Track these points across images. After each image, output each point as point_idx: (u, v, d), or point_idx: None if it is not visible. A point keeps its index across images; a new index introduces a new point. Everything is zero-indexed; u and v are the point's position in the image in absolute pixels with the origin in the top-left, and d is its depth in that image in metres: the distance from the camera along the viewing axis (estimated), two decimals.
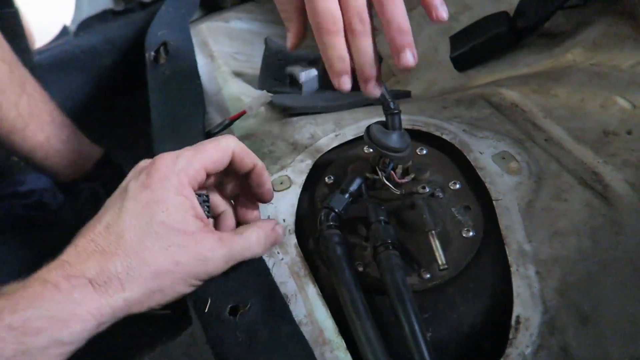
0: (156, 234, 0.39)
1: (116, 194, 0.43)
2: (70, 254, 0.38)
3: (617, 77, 0.58)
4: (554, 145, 0.53)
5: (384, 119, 0.58)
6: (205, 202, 0.46)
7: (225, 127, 0.60)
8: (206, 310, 0.45)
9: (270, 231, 0.46)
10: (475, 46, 0.74)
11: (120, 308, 0.38)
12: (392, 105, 0.47)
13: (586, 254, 0.44)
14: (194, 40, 0.82)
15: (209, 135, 0.61)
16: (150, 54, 0.79)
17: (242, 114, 0.60)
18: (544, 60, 0.68)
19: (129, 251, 0.38)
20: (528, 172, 0.50)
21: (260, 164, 0.47)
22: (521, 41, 0.73)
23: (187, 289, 0.42)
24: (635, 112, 0.54)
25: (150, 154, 0.58)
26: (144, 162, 0.45)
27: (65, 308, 0.36)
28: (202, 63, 0.78)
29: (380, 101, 0.48)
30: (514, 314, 0.41)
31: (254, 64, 0.76)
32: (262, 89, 0.73)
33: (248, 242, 0.44)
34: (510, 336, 0.40)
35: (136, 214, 0.40)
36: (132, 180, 0.42)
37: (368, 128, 0.48)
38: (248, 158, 0.46)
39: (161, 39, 0.80)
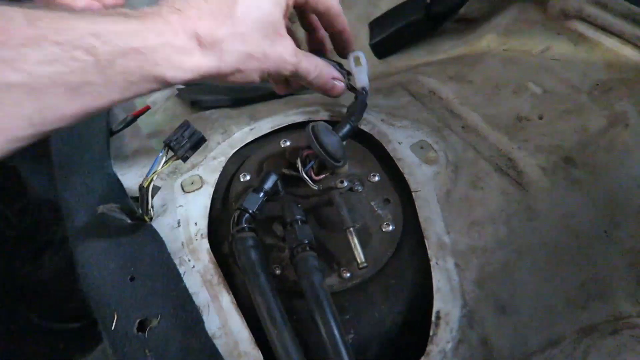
0: (262, 24, 0.42)
1: None
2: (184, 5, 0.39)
3: (528, 63, 0.59)
4: (470, 132, 0.53)
5: (299, 109, 0.56)
6: None
7: (128, 124, 0.55)
8: (113, 328, 0.41)
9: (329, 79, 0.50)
10: (393, 33, 0.73)
11: (210, 73, 0.40)
12: (352, 118, 0.49)
13: (502, 242, 0.44)
14: None
15: (112, 133, 0.55)
16: None
17: (146, 109, 0.55)
18: (460, 47, 0.67)
19: (237, 25, 0.41)
20: (445, 161, 0.49)
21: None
22: (438, 27, 0.73)
23: (257, 80, 0.44)
24: (545, 96, 0.55)
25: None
26: None
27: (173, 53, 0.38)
28: None
29: (350, 111, 0.51)
30: (434, 309, 0.40)
31: None
32: None
33: (313, 65, 0.48)
34: (431, 332, 0.39)
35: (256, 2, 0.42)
36: None
37: (312, 126, 0.46)
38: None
39: None
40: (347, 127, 0.49)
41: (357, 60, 0.54)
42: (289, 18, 0.49)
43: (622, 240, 0.47)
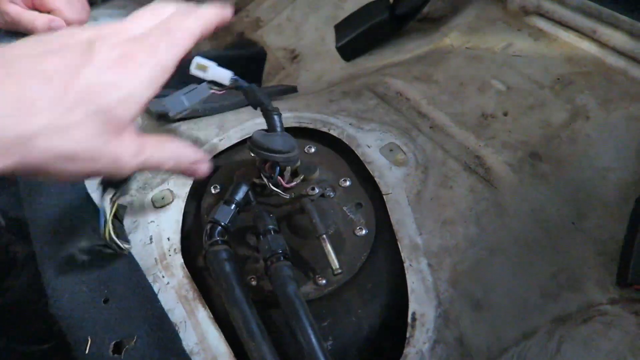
0: (100, 115, 0.32)
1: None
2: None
3: (491, 60, 0.60)
4: (438, 132, 0.53)
5: None
6: None
7: None
8: (87, 351, 0.40)
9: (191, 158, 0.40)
10: (358, 35, 0.73)
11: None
12: (269, 107, 0.44)
13: (474, 240, 0.44)
14: None
15: None
16: None
17: None
18: (425, 46, 0.68)
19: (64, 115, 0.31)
20: (415, 163, 0.49)
21: None
22: (402, 27, 0.73)
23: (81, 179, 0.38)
24: (509, 93, 0.56)
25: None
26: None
27: None
28: None
29: (252, 104, 0.45)
30: (410, 311, 0.40)
31: None
32: None
33: (167, 156, 0.38)
34: (408, 334, 0.39)
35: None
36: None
37: (250, 139, 0.45)
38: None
39: None
40: (275, 119, 0.46)
41: (201, 68, 0.47)
42: None
43: (590, 231, 0.48)
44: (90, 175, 0.34)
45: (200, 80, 0.49)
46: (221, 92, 0.50)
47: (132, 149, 0.34)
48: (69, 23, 0.76)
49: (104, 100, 0.32)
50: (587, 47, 0.58)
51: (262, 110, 0.46)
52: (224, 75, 0.49)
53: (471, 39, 0.64)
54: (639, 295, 0.45)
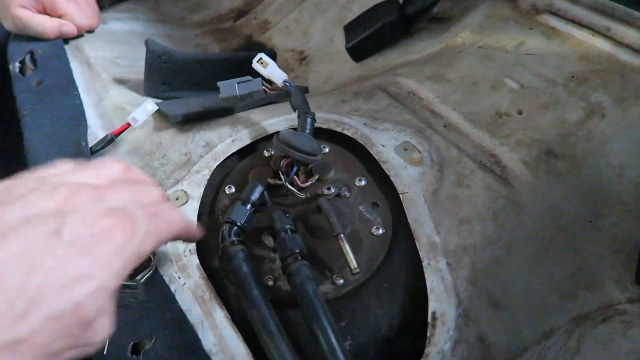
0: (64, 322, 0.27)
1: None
2: None
3: (503, 59, 0.59)
4: (452, 131, 0.53)
5: (281, 118, 0.56)
6: None
7: (108, 143, 0.54)
8: (104, 353, 0.40)
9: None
10: (368, 36, 0.73)
11: None
12: (306, 110, 0.47)
13: (491, 238, 0.44)
14: (66, 47, 0.74)
15: (92, 152, 0.54)
16: (14, 65, 0.70)
17: (126, 127, 0.54)
18: (435, 46, 0.68)
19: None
20: (430, 161, 0.49)
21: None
22: (412, 27, 0.73)
23: None
24: (523, 91, 0.55)
25: None
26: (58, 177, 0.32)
27: None
28: (77, 71, 0.70)
29: (293, 105, 0.47)
30: (430, 310, 0.40)
31: (138, 69, 0.69)
32: (148, 95, 0.67)
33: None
34: (429, 334, 0.39)
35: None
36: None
37: (278, 134, 0.46)
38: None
39: (26, 48, 0.71)
40: (308, 121, 0.49)
41: (262, 63, 0.53)
42: None
43: (607, 229, 0.48)
44: None
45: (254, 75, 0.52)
46: (271, 90, 0.52)
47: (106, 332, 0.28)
48: (79, 28, 0.77)
49: (68, 298, 0.25)
50: (601, 44, 0.58)
51: (298, 112, 0.48)
52: (279, 75, 0.53)
53: (483, 38, 0.63)
54: None
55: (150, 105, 0.55)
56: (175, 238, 0.36)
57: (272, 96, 0.57)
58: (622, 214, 0.48)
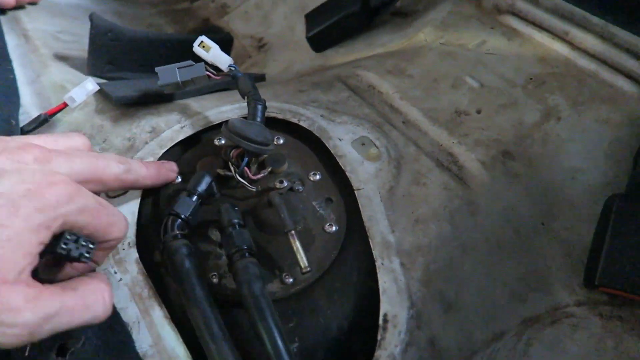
0: None
1: None
2: None
3: (465, 57, 0.59)
4: (411, 128, 0.52)
5: (234, 105, 0.53)
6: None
7: (42, 123, 0.49)
8: (26, 354, 0.36)
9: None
10: (329, 26, 0.71)
11: None
12: (256, 96, 0.43)
13: (446, 238, 0.43)
14: (1, 17, 0.68)
15: (23, 133, 0.50)
16: None
17: (62, 106, 0.49)
18: (397, 40, 0.67)
19: None
20: (387, 158, 0.48)
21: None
22: (375, 20, 0.72)
23: None
24: (482, 90, 0.55)
25: None
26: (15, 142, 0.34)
27: None
28: (13, 44, 0.64)
29: (242, 92, 0.44)
30: (382, 312, 0.38)
31: (83, 46, 0.64)
32: (92, 74, 0.63)
33: (84, 302, 0.33)
34: (379, 337, 0.37)
35: None
36: (5, 181, 0.31)
37: (227, 123, 0.43)
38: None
39: None
40: (258, 109, 0.45)
41: (204, 47, 0.49)
42: None
43: (558, 231, 0.48)
44: None
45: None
46: (216, 76, 0.48)
47: (19, 302, 0.28)
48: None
49: None
50: (560, 48, 0.58)
51: (248, 99, 0.44)
52: (224, 60, 0.48)
53: (445, 35, 0.63)
54: (604, 297, 0.45)
55: (90, 84, 0.50)
56: (102, 239, 0.35)
57: (218, 83, 0.54)
58: (573, 218, 0.48)
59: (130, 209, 0.45)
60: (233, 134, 0.42)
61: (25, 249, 0.29)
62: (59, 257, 0.33)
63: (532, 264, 0.46)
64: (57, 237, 0.32)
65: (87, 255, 0.33)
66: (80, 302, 0.32)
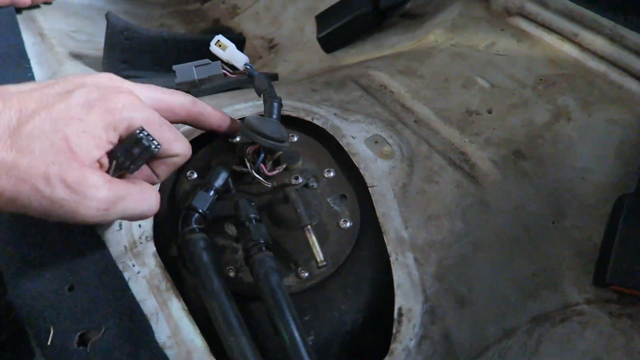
0: (52, 145, 0.33)
1: (57, 87, 0.36)
2: None
3: (475, 58, 0.60)
4: (423, 127, 0.53)
5: (248, 103, 0.54)
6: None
7: None
8: (49, 343, 0.37)
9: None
10: (340, 27, 0.72)
11: None
12: (272, 94, 0.44)
13: (459, 235, 0.44)
14: (18, 16, 0.69)
15: None
16: None
17: None
18: (407, 41, 0.68)
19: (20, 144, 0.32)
20: (400, 155, 0.48)
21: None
22: (385, 21, 0.73)
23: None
24: (493, 91, 0.56)
25: None
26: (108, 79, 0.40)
27: None
28: (29, 43, 0.65)
29: (258, 89, 0.45)
30: (397, 306, 0.39)
31: (97, 45, 0.66)
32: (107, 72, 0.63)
33: (143, 195, 0.38)
34: (394, 330, 0.38)
35: (56, 119, 0.34)
36: (83, 89, 0.36)
37: (244, 120, 0.44)
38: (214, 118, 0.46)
39: None
40: (275, 106, 0.47)
41: (220, 46, 0.50)
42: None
43: (568, 230, 0.48)
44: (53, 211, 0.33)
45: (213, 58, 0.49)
46: (232, 74, 0.49)
47: (98, 181, 0.34)
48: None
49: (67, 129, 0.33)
50: (569, 49, 0.59)
51: (264, 96, 0.45)
52: (240, 59, 0.50)
53: (455, 36, 0.63)
54: (614, 296, 0.46)
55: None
56: (165, 152, 0.40)
57: (234, 81, 0.55)
58: (583, 217, 0.49)
59: None
60: (250, 130, 0.42)
61: (97, 142, 0.35)
62: (130, 151, 0.37)
63: (543, 262, 0.46)
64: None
65: (156, 144, 0.37)
66: (141, 194, 0.38)
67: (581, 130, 0.52)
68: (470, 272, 0.43)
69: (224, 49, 0.50)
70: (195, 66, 0.50)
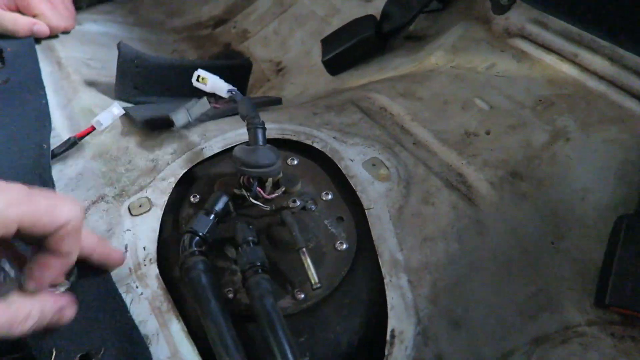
0: None
1: None
2: None
3: (474, 79, 0.60)
4: (421, 148, 0.53)
5: None
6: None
7: (71, 146, 0.53)
8: None
9: (54, 308, 0.37)
10: (345, 50, 0.74)
11: None
12: (255, 120, 0.45)
13: (454, 257, 0.44)
14: (37, 46, 0.73)
15: (54, 155, 0.53)
16: None
17: (90, 130, 0.53)
18: (409, 64, 0.69)
19: None
20: (397, 178, 0.49)
21: (101, 250, 0.41)
22: (388, 44, 0.74)
23: None
24: (492, 112, 0.56)
25: None
26: None
27: None
28: (47, 71, 0.69)
29: (242, 116, 0.47)
30: (389, 328, 0.39)
31: (110, 72, 0.68)
32: (119, 99, 0.66)
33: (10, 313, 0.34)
34: (386, 352, 0.38)
35: None
36: None
37: (233, 154, 0.46)
38: (86, 241, 0.39)
39: None
40: (258, 133, 0.47)
41: (202, 80, 0.54)
42: None
43: (568, 251, 0.48)
44: None
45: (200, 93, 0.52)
46: (219, 105, 0.51)
47: None
48: (53, 29, 0.75)
49: None
50: (569, 70, 0.59)
51: (247, 124, 0.47)
52: (223, 88, 0.52)
53: (455, 58, 0.64)
54: (616, 317, 0.45)
55: (116, 109, 0.53)
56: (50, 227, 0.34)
57: (224, 110, 0.58)
58: (583, 237, 0.49)
59: (151, 227, 0.47)
60: (237, 163, 0.44)
61: None
62: None
63: (542, 283, 0.47)
64: None
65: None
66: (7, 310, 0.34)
67: (580, 150, 0.52)
68: (466, 293, 0.43)
69: (206, 82, 0.53)
70: (187, 109, 0.53)
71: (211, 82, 0.53)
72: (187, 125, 0.56)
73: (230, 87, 0.53)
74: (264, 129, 0.48)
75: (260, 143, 0.46)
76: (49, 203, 0.34)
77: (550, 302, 0.46)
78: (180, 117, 0.53)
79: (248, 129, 0.47)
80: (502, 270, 0.46)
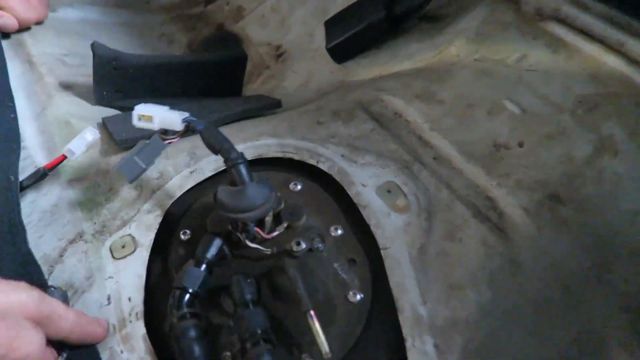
0: None
1: None
2: None
3: (503, 76, 0.52)
4: (443, 165, 0.46)
5: (246, 144, 0.49)
6: None
7: (40, 178, 0.46)
8: None
9: None
10: (352, 36, 0.65)
11: None
12: (232, 154, 0.38)
13: (487, 308, 0.38)
14: (5, 43, 0.65)
15: (22, 187, 0.46)
16: None
17: (61, 159, 0.46)
18: (426, 52, 0.60)
19: None
20: (417, 208, 0.42)
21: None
22: (400, 27, 0.65)
23: None
24: (524, 117, 0.48)
25: None
26: None
27: None
28: (17, 73, 0.61)
29: (211, 150, 0.39)
30: None
31: (89, 69, 0.60)
32: (99, 104, 0.59)
33: None
34: None
35: None
36: None
37: (215, 197, 0.39)
38: (62, 324, 0.36)
39: None
40: (240, 170, 0.39)
41: (145, 118, 0.42)
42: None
43: (615, 284, 0.42)
44: None
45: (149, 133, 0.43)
46: (177, 139, 0.44)
47: None
48: (23, 22, 0.67)
49: None
50: (614, 62, 0.50)
51: (224, 160, 0.39)
52: (175, 120, 0.42)
53: (480, 48, 0.56)
54: None
55: (90, 134, 0.47)
56: None
57: (240, 112, 0.52)
58: (632, 267, 0.42)
59: (136, 272, 0.42)
60: (225, 210, 0.37)
61: None
62: None
63: (585, 324, 0.41)
64: None
65: None
66: None
67: (630, 165, 0.44)
68: (502, 350, 0.37)
69: (150, 119, 0.42)
70: (135, 156, 0.43)
71: (159, 118, 0.42)
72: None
73: (185, 115, 0.42)
74: (246, 162, 0.39)
75: (246, 180, 0.38)
76: (8, 334, 0.31)
77: (595, 345, 0.40)
78: (130, 169, 0.43)
79: (227, 168, 0.39)
80: (540, 314, 0.40)
